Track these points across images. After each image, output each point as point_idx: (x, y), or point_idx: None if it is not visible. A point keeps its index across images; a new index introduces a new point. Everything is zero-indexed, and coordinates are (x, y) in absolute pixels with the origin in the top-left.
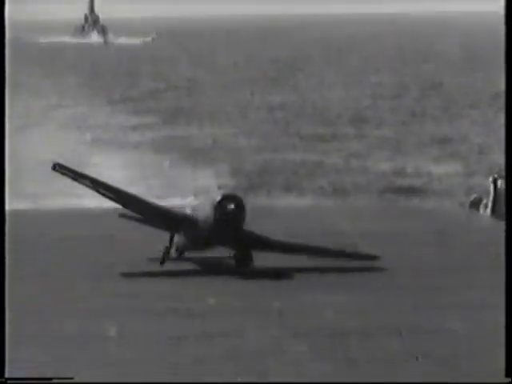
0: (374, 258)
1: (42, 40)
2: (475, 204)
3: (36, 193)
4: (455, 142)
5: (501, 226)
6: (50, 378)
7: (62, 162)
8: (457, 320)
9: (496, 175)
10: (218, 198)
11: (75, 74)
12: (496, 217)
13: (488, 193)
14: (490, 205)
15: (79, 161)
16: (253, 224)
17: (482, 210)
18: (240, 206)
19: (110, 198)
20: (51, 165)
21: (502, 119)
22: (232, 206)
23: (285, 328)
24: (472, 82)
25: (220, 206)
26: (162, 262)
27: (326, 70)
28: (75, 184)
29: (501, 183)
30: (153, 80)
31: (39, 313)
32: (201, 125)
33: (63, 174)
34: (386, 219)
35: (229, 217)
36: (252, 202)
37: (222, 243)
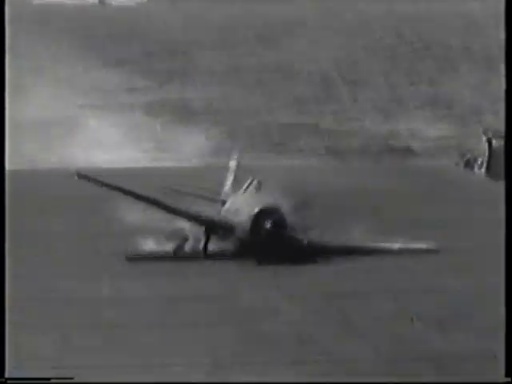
0: (434, 251)
1: (37, 1)
2: (470, 163)
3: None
4: (449, 103)
5: (495, 184)
6: (50, 378)
7: (58, 123)
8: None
9: (490, 135)
10: (256, 209)
11: (70, 36)
12: (491, 176)
13: (482, 153)
14: (484, 164)
15: (76, 123)
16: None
17: (476, 170)
18: (278, 224)
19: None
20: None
21: (495, 82)
22: (268, 225)
23: None
24: (467, 45)
25: (256, 222)
26: (176, 254)
27: (320, 31)
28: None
29: (495, 143)
30: (147, 42)
31: None
32: (195, 87)
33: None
34: (383, 178)
35: (264, 237)
36: (247, 163)
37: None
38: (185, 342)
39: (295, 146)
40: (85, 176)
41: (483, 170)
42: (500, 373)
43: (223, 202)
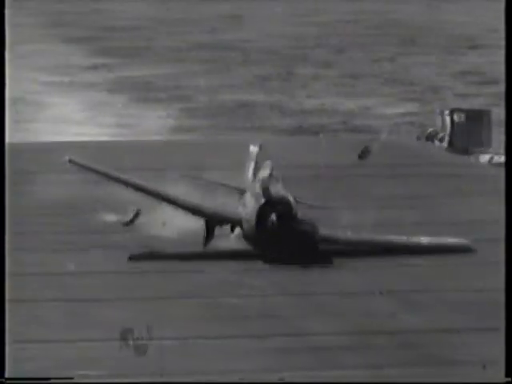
0: (468, 249)
1: None
2: (431, 137)
3: None
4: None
5: (456, 158)
6: (50, 378)
7: (22, 101)
8: None
9: (452, 109)
10: (262, 200)
11: (27, 12)
12: (452, 150)
13: (443, 127)
14: (446, 138)
15: (39, 100)
16: (219, 160)
17: (437, 143)
18: (286, 216)
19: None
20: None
21: (455, 60)
22: (274, 218)
23: None
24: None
25: (261, 214)
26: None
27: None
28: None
29: (457, 116)
30: (110, 19)
31: None
32: (160, 65)
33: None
34: (343, 154)
35: (270, 230)
36: (209, 139)
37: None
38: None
39: (256, 123)
40: (77, 163)
41: (445, 143)
42: (500, 373)
43: (242, 192)
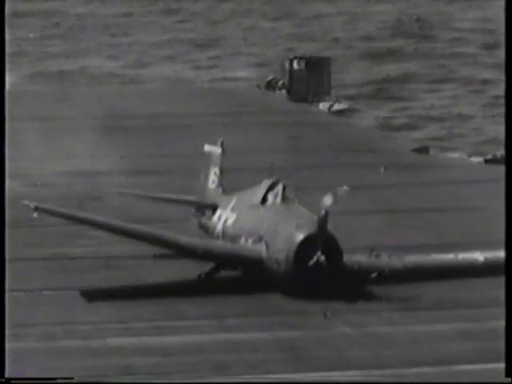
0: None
1: None
2: (272, 85)
3: None
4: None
5: (296, 106)
6: (51, 378)
7: None
8: None
9: (292, 57)
10: (298, 237)
11: None
12: (293, 98)
13: (283, 75)
14: (286, 86)
15: None
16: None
17: (277, 91)
18: (334, 255)
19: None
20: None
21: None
22: (323, 258)
23: None
24: None
25: (300, 256)
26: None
27: None
28: None
29: (296, 64)
30: None
31: None
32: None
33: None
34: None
35: (314, 275)
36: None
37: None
38: None
39: None
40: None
41: (284, 91)
42: (500, 373)
43: (212, 207)
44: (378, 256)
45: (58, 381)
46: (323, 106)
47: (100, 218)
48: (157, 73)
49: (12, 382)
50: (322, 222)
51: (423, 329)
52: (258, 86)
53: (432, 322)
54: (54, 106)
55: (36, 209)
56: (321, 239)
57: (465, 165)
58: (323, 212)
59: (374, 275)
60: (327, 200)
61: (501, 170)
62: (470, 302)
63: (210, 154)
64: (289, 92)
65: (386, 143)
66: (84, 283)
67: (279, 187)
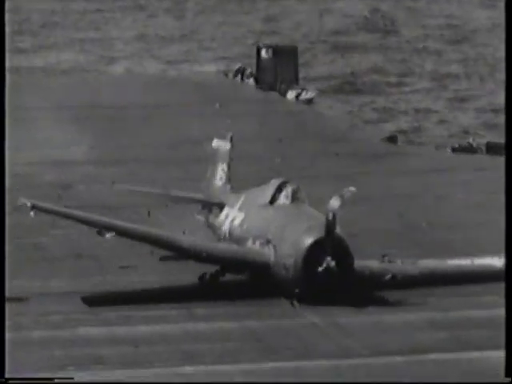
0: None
1: None
2: (239, 74)
3: None
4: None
5: (263, 94)
6: (50, 378)
7: None
8: None
9: (260, 45)
10: (307, 241)
11: None
12: (260, 86)
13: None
14: (253, 74)
15: None
16: None
17: (245, 79)
18: (343, 260)
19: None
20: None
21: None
22: (333, 263)
23: None
24: None
25: (309, 261)
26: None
27: None
28: None
29: (264, 52)
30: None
31: None
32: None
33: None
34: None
35: (324, 281)
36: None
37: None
38: None
39: None
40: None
41: (252, 79)
42: (500, 373)
43: (219, 205)
44: (391, 261)
45: (57, 381)
46: (290, 94)
47: (101, 219)
48: (127, 67)
49: (12, 381)
50: (331, 226)
51: None
52: (226, 75)
53: None
54: (23, 98)
55: (33, 207)
56: (330, 243)
57: (431, 154)
58: (331, 215)
59: (388, 277)
60: (334, 203)
61: (467, 158)
62: None
63: (217, 150)
64: (257, 81)
65: (352, 132)
66: None
67: (289, 187)
